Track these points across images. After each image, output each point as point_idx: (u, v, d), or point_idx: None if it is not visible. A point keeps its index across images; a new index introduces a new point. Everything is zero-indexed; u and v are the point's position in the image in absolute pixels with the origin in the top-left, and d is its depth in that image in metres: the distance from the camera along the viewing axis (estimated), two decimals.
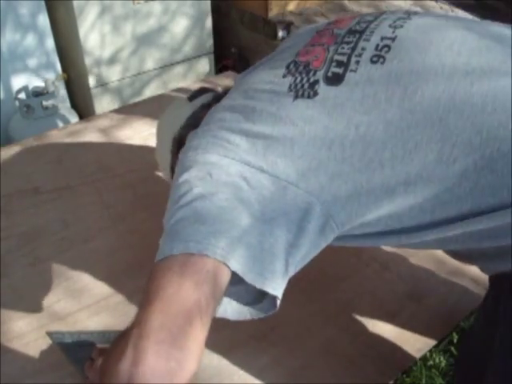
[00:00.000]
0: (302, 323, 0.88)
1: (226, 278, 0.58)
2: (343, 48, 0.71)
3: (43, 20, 2.15)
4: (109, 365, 0.53)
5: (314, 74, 0.69)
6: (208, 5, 2.52)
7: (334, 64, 0.69)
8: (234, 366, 0.81)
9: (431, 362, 1.49)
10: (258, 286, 0.58)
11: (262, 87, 0.72)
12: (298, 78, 0.70)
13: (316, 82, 0.68)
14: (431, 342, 0.88)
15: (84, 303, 0.91)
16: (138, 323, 0.53)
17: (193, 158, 0.67)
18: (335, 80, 0.68)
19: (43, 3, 2.13)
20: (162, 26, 2.40)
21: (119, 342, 0.54)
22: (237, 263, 0.57)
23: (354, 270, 0.99)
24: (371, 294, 0.94)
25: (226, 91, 0.85)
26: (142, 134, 1.39)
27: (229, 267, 0.57)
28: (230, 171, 0.64)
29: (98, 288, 0.94)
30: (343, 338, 0.86)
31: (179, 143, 0.83)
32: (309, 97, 0.67)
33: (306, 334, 0.87)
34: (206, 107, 0.84)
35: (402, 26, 0.71)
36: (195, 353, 0.53)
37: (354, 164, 0.63)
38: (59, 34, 2.28)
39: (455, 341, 1.54)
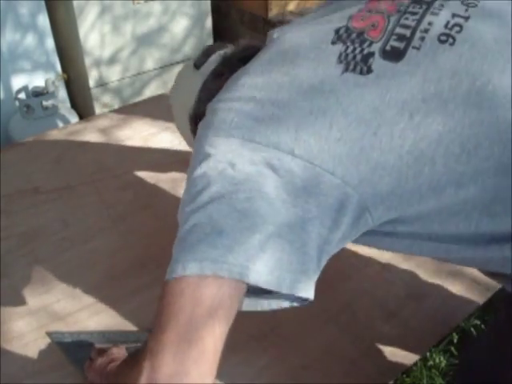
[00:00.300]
0: (302, 323, 0.88)
1: (243, 291, 0.54)
2: (407, 19, 0.61)
3: (43, 20, 2.15)
4: None
5: (370, 45, 0.60)
6: (208, 5, 2.52)
7: (394, 37, 0.60)
8: (234, 366, 0.81)
9: (431, 362, 1.49)
10: (289, 292, 0.54)
11: (305, 52, 0.62)
12: (350, 48, 0.60)
13: (371, 54, 0.59)
14: (431, 342, 0.88)
15: (84, 303, 0.91)
16: (150, 353, 0.50)
17: (213, 142, 0.59)
18: (394, 56, 0.59)
19: (43, 3, 2.13)
20: (161, 26, 2.40)
21: (131, 370, 0.52)
22: (259, 276, 0.52)
23: (354, 270, 0.99)
24: (371, 294, 0.94)
25: (237, 53, 0.78)
26: (142, 133, 1.39)
27: (248, 282, 0.52)
28: (255, 159, 0.56)
29: (97, 288, 0.94)
30: (343, 338, 0.86)
31: (196, 120, 0.76)
32: (361, 72, 0.58)
33: (306, 334, 0.87)
34: (217, 76, 0.76)
35: (475, 5, 0.61)
36: (209, 382, 0.51)
37: (401, 156, 0.55)
38: (59, 34, 2.28)
39: (455, 341, 1.54)
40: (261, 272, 0.52)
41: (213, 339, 0.51)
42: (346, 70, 0.59)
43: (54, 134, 1.40)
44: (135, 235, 1.06)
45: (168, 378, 0.49)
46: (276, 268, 0.53)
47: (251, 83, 0.62)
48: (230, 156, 0.57)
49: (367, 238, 0.62)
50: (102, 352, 0.76)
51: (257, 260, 0.52)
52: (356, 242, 0.64)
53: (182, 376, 0.49)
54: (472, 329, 1.59)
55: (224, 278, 0.51)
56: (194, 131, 0.78)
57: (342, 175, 0.55)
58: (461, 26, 0.59)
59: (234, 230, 0.53)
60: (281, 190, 0.55)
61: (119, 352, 0.76)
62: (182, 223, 0.57)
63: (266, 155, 0.56)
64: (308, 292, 0.55)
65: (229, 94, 0.64)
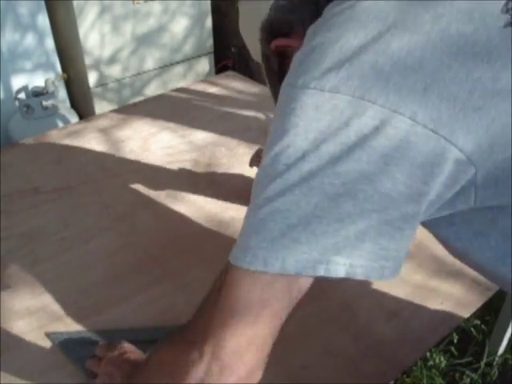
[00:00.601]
0: (302, 323, 0.88)
1: (310, 282, 0.50)
2: None
3: (43, 20, 2.15)
4: (178, 373, 0.51)
5: None
6: (208, 5, 2.52)
7: None
8: None
9: (431, 362, 1.49)
10: (388, 279, 0.48)
11: None
12: None
13: None
14: (431, 342, 0.88)
15: (84, 303, 0.91)
16: (212, 338, 0.49)
17: (313, 101, 0.46)
18: None
19: (43, 3, 2.13)
20: (161, 26, 2.40)
21: (186, 350, 0.50)
22: (354, 268, 0.47)
23: None
24: (371, 294, 0.94)
25: None
26: (142, 133, 1.39)
27: (335, 276, 0.47)
28: (364, 128, 0.45)
29: (97, 288, 0.94)
30: (343, 338, 0.86)
31: (270, 32, 0.64)
32: None
33: (306, 333, 0.87)
34: None
35: None
36: (259, 374, 0.51)
37: None
38: (59, 33, 2.28)
39: (455, 341, 1.54)
40: (357, 264, 0.47)
41: (272, 336, 0.51)
42: None
43: (54, 134, 1.40)
44: (135, 235, 1.06)
45: (228, 366, 0.48)
46: (379, 257, 0.47)
47: (375, 13, 0.48)
48: (335, 124, 0.45)
49: (456, 230, 0.54)
50: (110, 348, 0.76)
51: (353, 252, 0.46)
52: (439, 231, 0.56)
53: (240, 366, 0.49)
54: (472, 329, 1.59)
55: (302, 276, 0.47)
56: (263, 41, 0.67)
57: (470, 152, 0.45)
58: None
59: (323, 223, 0.45)
60: (392, 168, 0.45)
61: (130, 346, 0.77)
62: (262, 198, 0.48)
63: (378, 122, 0.45)
64: (398, 272, 0.49)
65: (338, 22, 0.49)
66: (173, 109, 1.52)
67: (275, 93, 0.70)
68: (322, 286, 0.94)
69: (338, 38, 0.48)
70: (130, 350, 0.76)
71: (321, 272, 0.46)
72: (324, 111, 0.46)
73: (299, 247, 0.46)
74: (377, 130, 0.45)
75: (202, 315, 0.52)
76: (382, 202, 0.45)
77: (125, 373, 0.71)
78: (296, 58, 0.50)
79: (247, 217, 0.49)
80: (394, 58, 0.45)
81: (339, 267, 0.47)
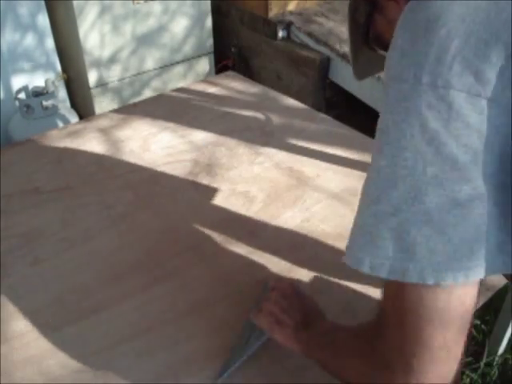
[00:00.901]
0: None
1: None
2: None
3: (43, 20, 2.15)
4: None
5: None
6: (208, 5, 2.52)
7: None
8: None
9: None
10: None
11: None
12: None
13: None
14: None
15: (84, 303, 0.91)
16: (415, 371, 0.49)
17: (425, 97, 0.43)
18: None
19: (43, 3, 2.13)
20: (161, 26, 2.40)
21: (388, 377, 0.51)
22: (479, 270, 0.45)
23: (354, 269, 0.98)
24: (371, 294, 0.94)
25: None
26: (142, 133, 1.39)
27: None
28: (482, 130, 0.41)
29: (98, 288, 0.94)
30: None
31: None
32: None
33: None
34: None
35: None
36: None
37: None
38: (59, 33, 2.28)
39: None
40: (481, 265, 0.45)
41: (462, 346, 0.49)
42: None
43: (54, 134, 1.40)
44: (135, 235, 1.06)
45: None
46: (500, 254, 0.46)
47: None
48: (453, 124, 0.42)
49: None
50: (274, 288, 0.79)
51: (479, 253, 0.45)
52: None
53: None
54: (472, 329, 1.59)
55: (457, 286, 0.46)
56: None
57: None
58: None
59: (457, 230, 0.44)
60: None
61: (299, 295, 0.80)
62: (388, 205, 0.46)
63: (498, 122, 0.42)
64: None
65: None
66: (173, 109, 1.52)
67: (354, 48, 0.67)
68: (322, 287, 0.94)
69: (444, 23, 0.43)
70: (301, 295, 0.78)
71: (459, 279, 0.45)
72: (439, 109, 0.42)
73: (435, 257, 0.45)
74: (498, 131, 0.42)
75: (393, 337, 0.52)
76: (504, 203, 0.44)
77: (294, 321, 0.72)
78: (397, 44, 0.45)
79: (370, 222, 0.48)
80: (503, 49, 0.41)
81: (490, 270, 0.46)
